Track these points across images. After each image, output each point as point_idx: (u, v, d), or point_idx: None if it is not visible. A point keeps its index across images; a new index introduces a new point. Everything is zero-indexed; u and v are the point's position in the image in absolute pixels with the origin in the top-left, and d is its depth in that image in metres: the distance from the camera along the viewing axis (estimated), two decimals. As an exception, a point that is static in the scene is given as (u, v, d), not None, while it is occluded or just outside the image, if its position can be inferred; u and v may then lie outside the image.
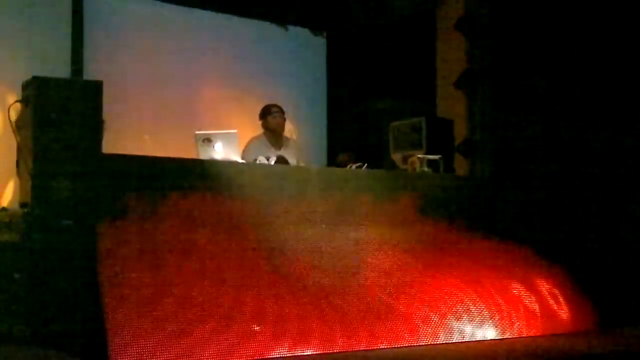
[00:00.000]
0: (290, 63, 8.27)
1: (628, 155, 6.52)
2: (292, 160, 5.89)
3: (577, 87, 6.84)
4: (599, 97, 6.74)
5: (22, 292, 4.15)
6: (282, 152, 5.91)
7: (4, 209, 4.61)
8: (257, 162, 5.48)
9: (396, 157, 6.15)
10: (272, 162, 5.42)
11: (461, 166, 7.56)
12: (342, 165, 7.09)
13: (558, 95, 7.00)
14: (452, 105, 7.87)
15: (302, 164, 5.93)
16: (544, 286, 5.37)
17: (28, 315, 4.09)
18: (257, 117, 6.35)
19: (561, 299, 5.39)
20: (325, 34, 8.96)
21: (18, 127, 4.38)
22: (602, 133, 6.71)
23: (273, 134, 6.03)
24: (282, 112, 6.12)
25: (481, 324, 4.95)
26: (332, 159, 7.82)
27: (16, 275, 4.22)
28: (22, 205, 4.30)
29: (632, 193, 6.33)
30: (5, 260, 4.38)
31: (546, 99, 7.10)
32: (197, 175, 4.45)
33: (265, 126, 6.07)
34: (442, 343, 4.71)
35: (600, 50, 6.77)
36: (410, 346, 4.60)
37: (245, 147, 5.91)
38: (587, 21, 6.76)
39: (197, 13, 7.91)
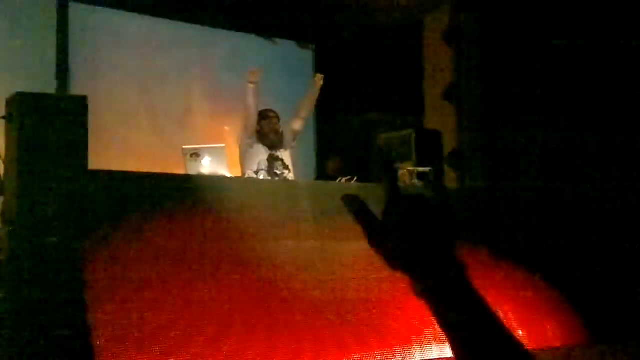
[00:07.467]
0: (278, 76, 8.25)
1: (622, 168, 6.49)
2: (286, 157, 5.78)
3: (567, 98, 6.85)
4: (589, 108, 6.74)
5: (6, 312, 4.07)
6: (275, 152, 5.83)
7: (-12, 226, 4.53)
8: (246, 176, 5.43)
9: (386, 169, 6.11)
10: (265, 159, 5.37)
11: (450, 178, 7.56)
12: (332, 173, 7.07)
13: (547, 106, 7.00)
14: (440, 116, 7.88)
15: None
16: (534, 299, 5.34)
17: (13, 335, 4.01)
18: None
19: (551, 313, 5.36)
20: (313, 46, 8.95)
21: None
22: (593, 144, 6.70)
23: (266, 138, 5.88)
24: (278, 118, 6.00)
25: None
26: (321, 172, 7.79)
27: (1, 295, 4.15)
28: (7, 223, 4.22)
29: (627, 206, 6.29)
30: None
31: (535, 111, 7.11)
32: (184, 191, 4.40)
33: (259, 130, 5.90)
34: (436, 359, 4.66)
35: (589, 62, 6.78)
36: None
37: (240, 151, 5.80)
38: (576, 32, 6.77)
39: (184, 27, 7.88)
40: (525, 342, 4.54)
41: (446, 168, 7.19)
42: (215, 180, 4.67)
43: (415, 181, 5.63)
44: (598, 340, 5.40)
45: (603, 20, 6.52)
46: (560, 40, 6.80)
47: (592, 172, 6.63)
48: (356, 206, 1.44)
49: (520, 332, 5.05)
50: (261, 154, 5.73)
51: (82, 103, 4.24)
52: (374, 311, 4.67)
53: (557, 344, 5.23)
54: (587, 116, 6.72)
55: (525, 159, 7.04)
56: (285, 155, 5.85)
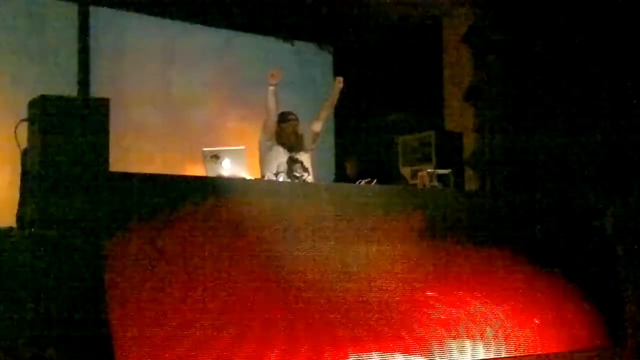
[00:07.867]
0: (297, 78, 8.26)
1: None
2: (305, 159, 5.79)
3: (588, 100, 6.79)
4: (611, 109, 6.67)
5: (28, 312, 4.11)
6: (295, 155, 5.83)
7: (11, 228, 4.57)
8: (265, 178, 5.44)
9: (405, 171, 6.11)
10: (285, 161, 5.48)
11: (470, 179, 7.52)
12: (352, 175, 7.06)
13: (568, 108, 6.95)
14: (460, 117, 7.84)
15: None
16: (557, 303, 5.30)
17: (35, 335, 4.04)
18: (264, 132, 6.30)
19: (576, 315, 5.31)
20: (331, 48, 8.96)
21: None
22: (616, 146, 6.63)
23: (285, 140, 5.86)
24: (297, 120, 5.99)
25: (493, 342, 4.88)
26: (340, 174, 7.79)
27: (22, 295, 4.18)
28: (29, 224, 4.26)
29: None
30: (12, 280, 4.35)
31: (555, 112, 7.05)
32: (205, 193, 4.41)
33: (278, 132, 5.88)
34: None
35: (609, 61, 6.72)
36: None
37: (260, 153, 5.83)
38: (595, 33, 6.72)
39: (204, 30, 7.93)
40: (553, 344, 4.48)
41: (466, 170, 7.15)
42: (234, 182, 4.67)
43: (435, 183, 5.60)
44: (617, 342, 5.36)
45: (630, 24, 6.47)
46: (583, 42, 6.76)
47: (612, 176, 6.57)
48: None
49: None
50: (281, 156, 5.74)
51: (104, 106, 4.27)
52: (394, 314, 4.65)
53: (584, 346, 5.19)
54: (610, 121, 6.66)
55: (547, 161, 6.99)
56: (304, 157, 5.85)
